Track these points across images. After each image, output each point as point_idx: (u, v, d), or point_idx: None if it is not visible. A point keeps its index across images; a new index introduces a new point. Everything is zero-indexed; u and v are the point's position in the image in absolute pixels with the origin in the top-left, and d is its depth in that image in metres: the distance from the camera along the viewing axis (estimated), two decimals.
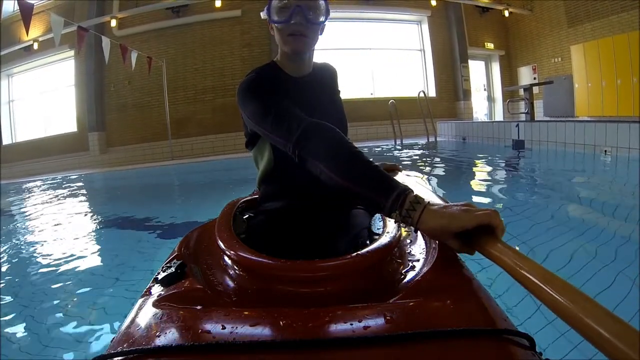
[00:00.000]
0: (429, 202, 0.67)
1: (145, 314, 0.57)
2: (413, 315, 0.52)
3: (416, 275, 0.65)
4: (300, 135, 0.82)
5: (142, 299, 0.62)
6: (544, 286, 0.46)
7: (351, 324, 0.49)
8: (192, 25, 10.19)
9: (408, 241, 0.81)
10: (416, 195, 0.68)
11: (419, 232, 0.83)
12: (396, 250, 0.74)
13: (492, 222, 0.60)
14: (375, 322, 0.49)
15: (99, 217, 4.38)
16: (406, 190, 0.68)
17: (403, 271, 0.68)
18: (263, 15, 1.03)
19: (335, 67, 1.21)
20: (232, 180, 6.02)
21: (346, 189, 0.74)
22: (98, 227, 3.89)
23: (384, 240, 0.72)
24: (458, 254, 0.69)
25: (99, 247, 3.19)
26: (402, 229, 0.83)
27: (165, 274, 0.67)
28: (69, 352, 1.54)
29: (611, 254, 1.96)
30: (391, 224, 0.81)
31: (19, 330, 1.76)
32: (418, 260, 0.71)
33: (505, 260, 0.54)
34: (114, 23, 9.96)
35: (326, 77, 1.17)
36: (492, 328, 0.51)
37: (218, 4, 9.82)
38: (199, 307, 0.56)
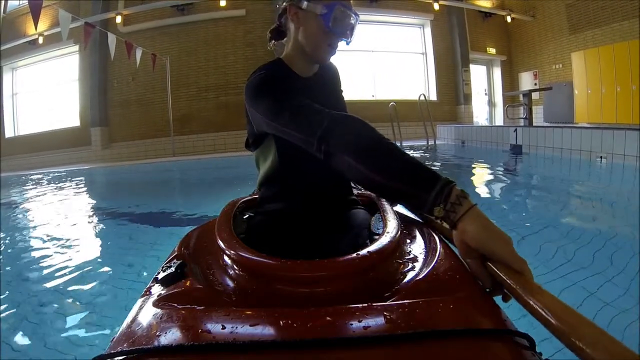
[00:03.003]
0: (476, 203, 0.62)
1: (145, 313, 0.57)
2: (413, 315, 0.51)
3: (416, 275, 0.65)
4: (326, 128, 0.76)
5: (142, 299, 0.62)
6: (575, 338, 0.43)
7: (351, 324, 0.49)
8: (196, 23, 10.24)
9: (408, 241, 0.80)
10: (462, 190, 0.63)
11: (417, 232, 0.84)
12: (396, 250, 0.73)
13: (523, 270, 0.56)
14: (375, 322, 0.49)
15: (99, 211, 4.43)
16: (452, 182, 0.64)
17: (403, 271, 0.68)
18: (305, 5, 0.97)
19: (336, 65, 1.21)
20: (234, 178, 6.07)
21: (381, 184, 0.70)
22: (98, 222, 3.93)
23: (384, 240, 0.71)
24: (458, 254, 0.68)
25: (99, 242, 3.24)
26: (402, 228, 0.83)
27: (165, 273, 0.67)
28: (69, 352, 1.55)
29: (606, 258, 2.00)
30: (391, 224, 0.80)
31: (18, 329, 1.76)
32: (418, 260, 0.71)
33: (530, 304, 0.50)
34: (119, 19, 10.02)
35: (330, 76, 1.17)
36: (492, 328, 0.51)
37: (223, 3, 9.89)
38: (199, 307, 0.56)
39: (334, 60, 1.16)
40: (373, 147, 0.72)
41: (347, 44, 1.05)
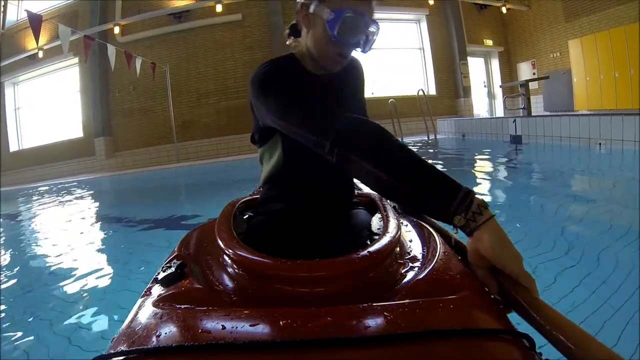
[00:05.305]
0: (495, 214, 0.63)
1: (145, 314, 0.57)
2: (413, 315, 0.51)
3: (416, 275, 0.65)
4: (340, 131, 0.73)
5: (142, 299, 0.63)
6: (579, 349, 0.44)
7: (351, 324, 0.49)
8: (194, 30, 10.30)
9: (408, 241, 0.81)
10: (483, 200, 0.63)
11: (415, 232, 0.83)
12: (396, 250, 0.73)
13: (531, 287, 0.58)
14: (375, 322, 0.49)
15: (104, 219, 4.49)
16: (471, 191, 0.64)
17: (403, 271, 0.68)
18: (313, 9, 0.87)
19: (361, 62, 1.10)
20: (237, 181, 6.13)
21: (401, 192, 0.68)
22: (104, 230, 4.00)
23: (384, 240, 0.71)
24: (457, 254, 0.69)
25: (105, 249, 3.29)
26: (402, 228, 0.82)
27: (165, 274, 0.68)
28: (70, 353, 1.58)
29: (604, 243, 2.02)
30: (391, 224, 0.79)
31: (20, 331, 1.79)
32: (418, 260, 0.71)
33: (537, 320, 0.52)
34: (117, 30, 10.11)
35: (351, 74, 1.08)
36: (492, 328, 0.51)
37: (219, 8, 9.95)
38: (198, 307, 0.56)
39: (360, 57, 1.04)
40: (391, 152, 0.69)
41: (364, 52, 0.94)
